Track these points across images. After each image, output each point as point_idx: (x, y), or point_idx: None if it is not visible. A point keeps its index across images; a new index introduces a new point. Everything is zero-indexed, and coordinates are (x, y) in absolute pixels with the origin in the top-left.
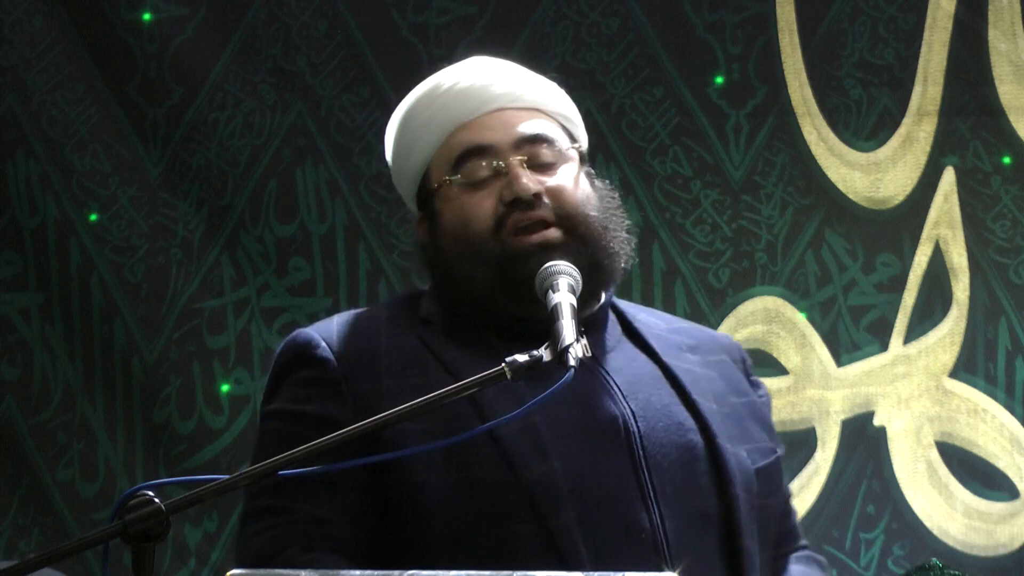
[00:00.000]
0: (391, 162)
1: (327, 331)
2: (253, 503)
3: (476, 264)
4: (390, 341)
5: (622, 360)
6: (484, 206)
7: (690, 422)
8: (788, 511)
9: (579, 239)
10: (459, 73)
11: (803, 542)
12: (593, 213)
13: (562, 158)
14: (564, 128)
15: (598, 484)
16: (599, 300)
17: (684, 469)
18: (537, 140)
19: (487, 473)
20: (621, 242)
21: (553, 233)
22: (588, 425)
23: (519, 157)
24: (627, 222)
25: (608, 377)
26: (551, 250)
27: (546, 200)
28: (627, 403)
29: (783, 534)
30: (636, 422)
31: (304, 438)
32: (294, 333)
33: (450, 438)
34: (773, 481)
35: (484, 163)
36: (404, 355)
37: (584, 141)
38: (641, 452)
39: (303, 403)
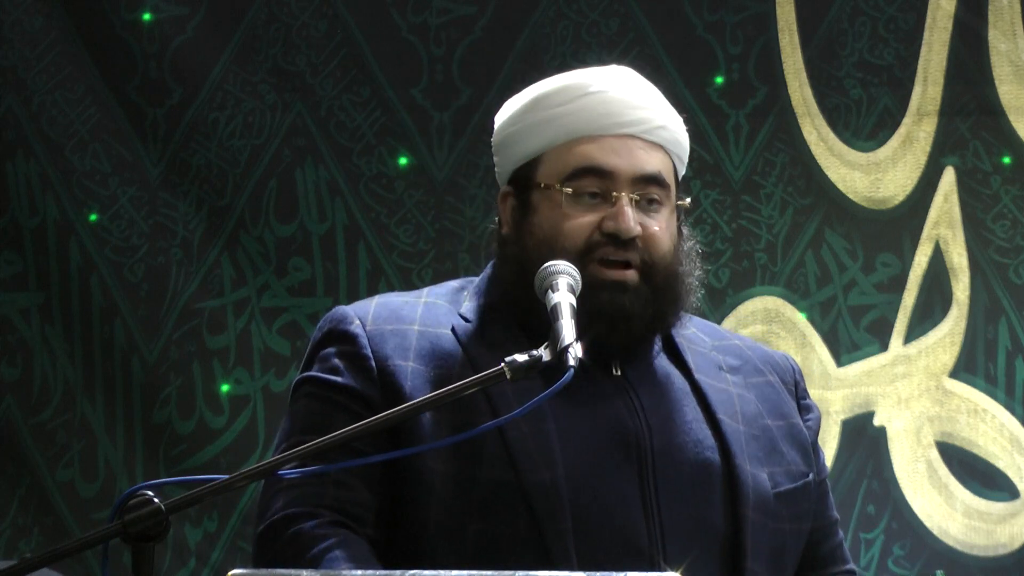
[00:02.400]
0: (500, 130)
1: (363, 310)
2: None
3: None
4: (423, 327)
5: (654, 375)
6: (582, 226)
7: (710, 440)
8: (828, 535)
9: (653, 288)
10: (606, 81)
11: (847, 567)
12: (676, 268)
13: (669, 204)
14: (675, 169)
15: (600, 496)
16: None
17: (696, 487)
18: (654, 181)
19: (491, 471)
20: (690, 292)
21: (632, 276)
22: (600, 437)
23: (631, 194)
24: (700, 272)
25: (632, 391)
26: (625, 291)
27: (639, 244)
28: (645, 418)
29: (819, 558)
30: (651, 438)
31: (333, 403)
32: (333, 309)
33: (458, 430)
34: (801, 505)
35: (598, 184)
36: (433, 343)
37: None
38: (651, 468)
39: (334, 374)
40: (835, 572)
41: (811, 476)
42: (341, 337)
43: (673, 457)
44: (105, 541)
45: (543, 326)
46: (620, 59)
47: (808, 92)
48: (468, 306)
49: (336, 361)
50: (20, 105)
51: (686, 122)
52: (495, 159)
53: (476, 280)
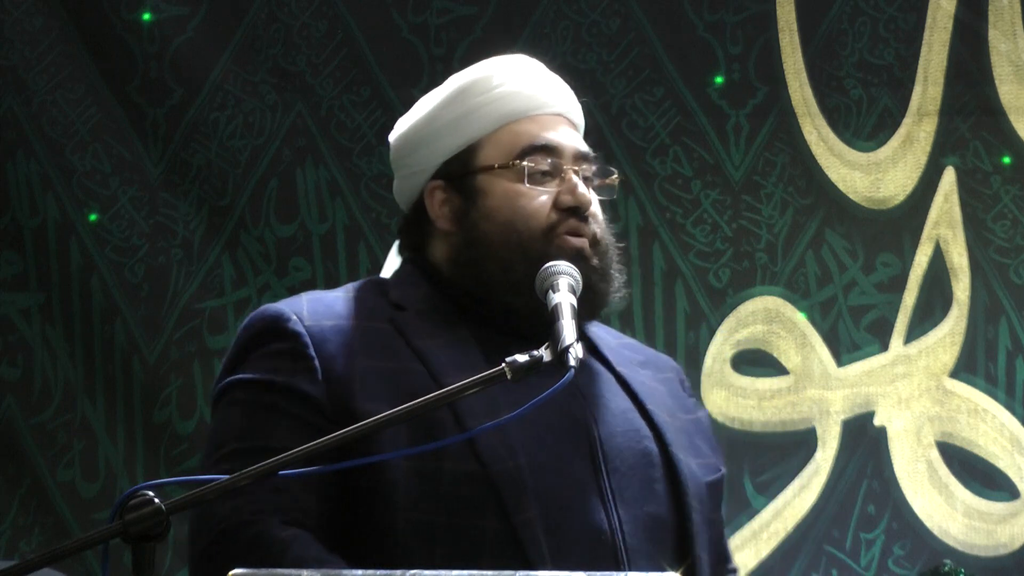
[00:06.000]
0: (414, 131)
1: (296, 306)
2: (213, 469)
3: (518, 256)
4: (360, 322)
5: (587, 365)
6: (543, 204)
7: (646, 430)
8: (723, 532)
9: (601, 264)
10: (523, 68)
11: (731, 566)
12: (609, 243)
13: (601, 182)
14: None
15: (560, 484)
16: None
17: (641, 475)
18: (589, 160)
19: (456, 464)
20: (619, 272)
21: (588, 246)
22: (554, 426)
23: (576, 168)
24: (620, 254)
25: (576, 381)
26: (584, 260)
27: (590, 218)
28: (590, 408)
29: (719, 553)
30: (598, 427)
31: (275, 408)
32: (261, 307)
33: (417, 430)
34: (716, 498)
35: (548, 162)
36: (376, 338)
37: None
38: (601, 456)
39: (273, 374)
40: (729, 569)
41: (723, 471)
42: (279, 334)
43: (619, 446)
44: (105, 541)
45: (506, 314)
46: (620, 59)
47: (808, 92)
48: (399, 294)
49: (274, 360)
50: (20, 105)
51: (686, 122)
52: (404, 162)
53: (390, 277)
